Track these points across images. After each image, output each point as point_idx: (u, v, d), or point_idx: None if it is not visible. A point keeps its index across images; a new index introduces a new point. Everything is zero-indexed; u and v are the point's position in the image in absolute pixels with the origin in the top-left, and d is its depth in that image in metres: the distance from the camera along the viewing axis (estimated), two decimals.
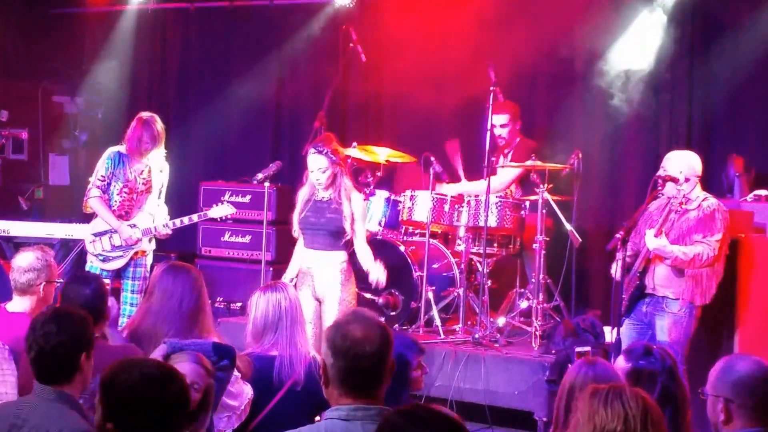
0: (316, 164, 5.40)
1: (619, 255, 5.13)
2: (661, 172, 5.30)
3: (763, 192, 6.24)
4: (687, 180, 5.24)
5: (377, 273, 5.53)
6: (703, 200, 5.27)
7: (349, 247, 5.52)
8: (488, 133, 6.37)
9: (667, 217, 5.19)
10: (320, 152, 5.38)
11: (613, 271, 5.34)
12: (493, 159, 6.69)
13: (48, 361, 3.11)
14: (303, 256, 5.56)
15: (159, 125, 6.20)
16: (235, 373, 3.86)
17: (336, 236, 5.44)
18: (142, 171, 6.22)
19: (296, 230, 5.58)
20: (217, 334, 4.05)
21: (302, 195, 5.56)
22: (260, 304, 4.19)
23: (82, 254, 7.71)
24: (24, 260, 4.33)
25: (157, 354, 3.37)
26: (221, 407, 3.77)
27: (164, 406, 2.57)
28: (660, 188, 5.27)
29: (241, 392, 3.87)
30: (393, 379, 2.85)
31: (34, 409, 3.03)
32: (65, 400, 3.02)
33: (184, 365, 3.33)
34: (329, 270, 5.43)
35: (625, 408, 2.46)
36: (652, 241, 5.13)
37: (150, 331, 3.85)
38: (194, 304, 3.96)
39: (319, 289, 5.45)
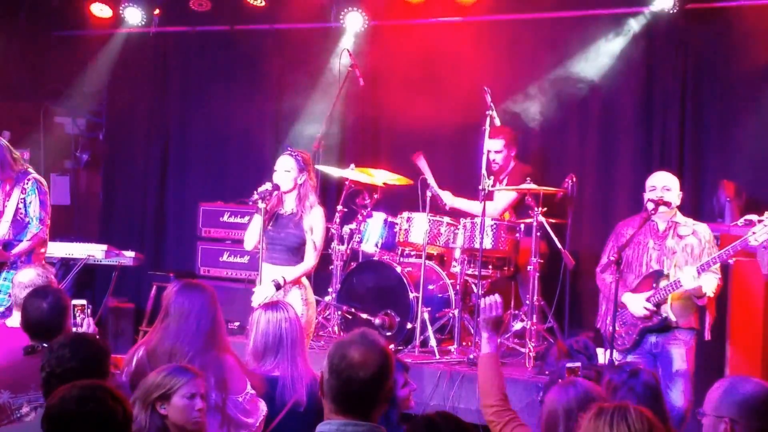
0: (283, 165, 5.41)
1: (612, 278, 5.17)
2: (654, 194, 5.27)
3: (754, 217, 6.25)
4: (678, 207, 5.27)
5: (263, 293, 5.21)
6: (694, 225, 5.29)
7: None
8: (484, 157, 6.45)
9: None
10: (290, 154, 5.44)
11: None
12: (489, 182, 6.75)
13: (56, 384, 3.10)
14: (263, 273, 5.44)
15: None
16: (250, 390, 3.91)
17: (294, 252, 5.38)
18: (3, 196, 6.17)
19: (251, 244, 5.46)
20: (232, 352, 4.05)
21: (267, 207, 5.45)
22: (261, 322, 4.21)
23: (83, 273, 7.80)
24: (25, 276, 4.41)
25: None
26: (237, 424, 3.81)
27: (97, 423, 2.59)
28: (653, 212, 5.26)
29: (257, 409, 3.91)
30: None
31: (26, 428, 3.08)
32: None
33: (197, 382, 3.39)
34: (291, 288, 5.33)
35: (631, 430, 2.45)
36: (693, 280, 5.02)
37: (168, 351, 3.84)
38: (211, 324, 3.94)
39: None
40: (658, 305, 5.20)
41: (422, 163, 6.80)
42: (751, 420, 3.01)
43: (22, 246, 6.01)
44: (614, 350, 5.24)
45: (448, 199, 6.94)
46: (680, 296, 5.18)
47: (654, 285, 5.24)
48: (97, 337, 4.24)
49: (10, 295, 5.84)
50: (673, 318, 5.20)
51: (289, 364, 4.12)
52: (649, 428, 2.48)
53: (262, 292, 5.20)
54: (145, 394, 3.38)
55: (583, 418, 2.60)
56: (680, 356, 5.22)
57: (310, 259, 5.40)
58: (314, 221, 5.40)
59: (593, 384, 3.29)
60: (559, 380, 3.89)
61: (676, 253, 5.23)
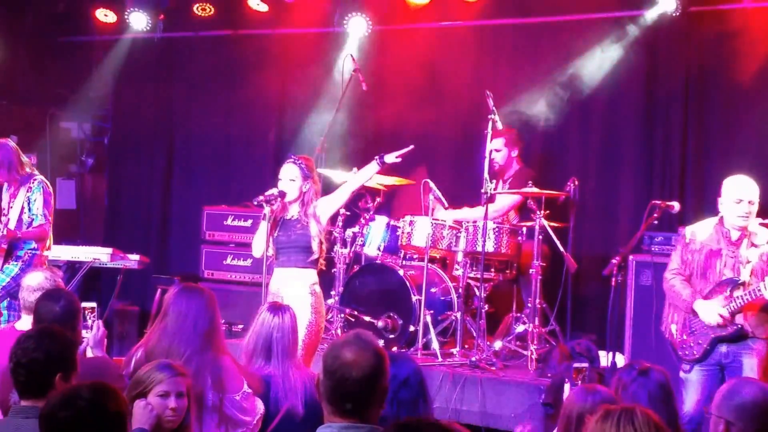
0: (287, 173, 5.45)
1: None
2: (742, 208, 5.02)
3: (758, 220, 6.28)
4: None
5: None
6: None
7: (317, 265, 5.50)
8: (487, 160, 6.48)
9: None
10: (294, 162, 5.48)
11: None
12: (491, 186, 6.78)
13: (22, 375, 3.21)
14: (274, 277, 5.51)
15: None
16: (247, 389, 3.96)
17: (305, 253, 5.42)
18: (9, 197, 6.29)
19: (259, 250, 5.51)
20: (229, 353, 4.09)
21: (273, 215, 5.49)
22: (257, 323, 4.25)
23: (88, 276, 7.84)
24: (33, 280, 4.45)
25: None
26: (234, 423, 3.85)
27: (91, 422, 2.64)
28: (656, 221, 5.21)
29: (254, 408, 3.94)
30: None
31: (6, 423, 3.14)
32: (35, 415, 3.00)
33: (175, 380, 3.42)
34: (300, 290, 5.36)
35: None
36: None
37: (165, 351, 3.87)
38: (208, 326, 3.98)
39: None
40: (733, 315, 4.97)
41: (432, 187, 6.73)
42: (745, 422, 3.05)
43: (29, 231, 6.15)
44: (682, 360, 5.10)
45: (449, 215, 6.88)
46: (756, 307, 4.95)
47: (728, 293, 4.99)
48: (105, 340, 4.30)
49: (3, 288, 5.96)
50: (748, 328, 4.98)
51: (280, 374, 4.12)
52: (656, 431, 2.49)
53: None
54: (128, 391, 3.42)
55: (589, 420, 2.62)
56: (750, 367, 4.97)
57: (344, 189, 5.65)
58: (320, 210, 5.46)
59: (612, 396, 3.31)
60: (579, 383, 3.91)
61: (750, 261, 5.03)
